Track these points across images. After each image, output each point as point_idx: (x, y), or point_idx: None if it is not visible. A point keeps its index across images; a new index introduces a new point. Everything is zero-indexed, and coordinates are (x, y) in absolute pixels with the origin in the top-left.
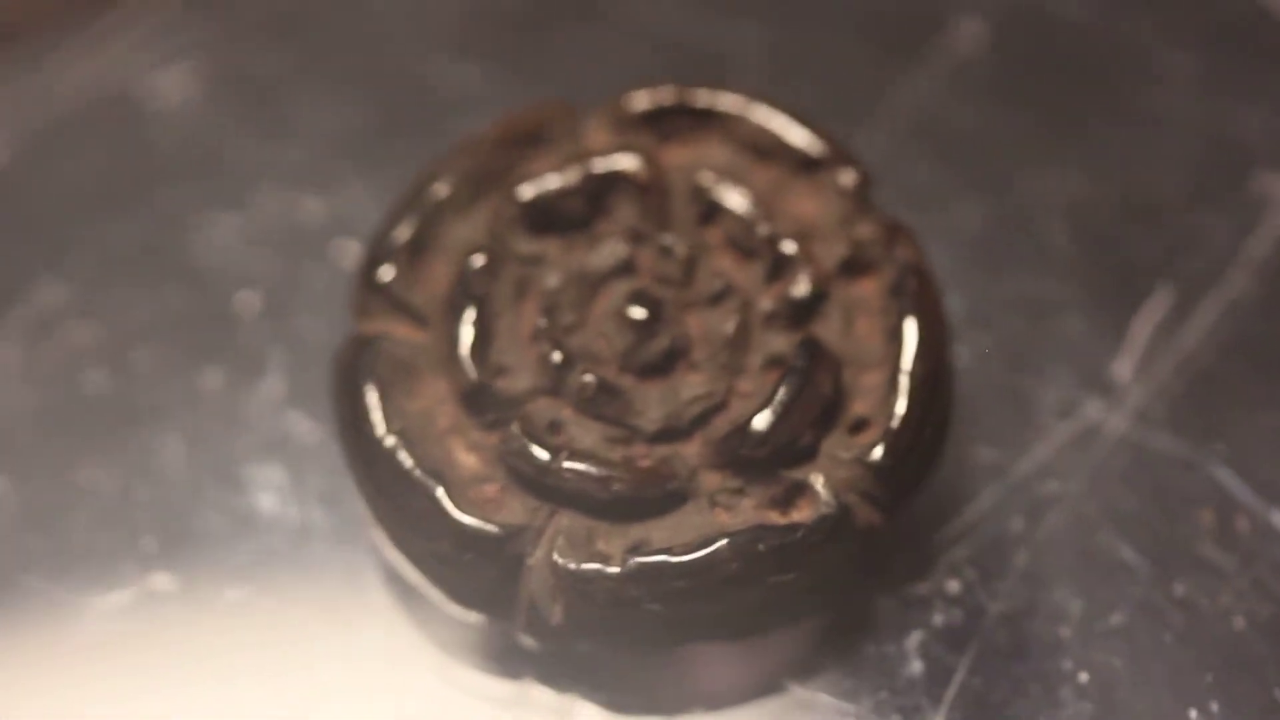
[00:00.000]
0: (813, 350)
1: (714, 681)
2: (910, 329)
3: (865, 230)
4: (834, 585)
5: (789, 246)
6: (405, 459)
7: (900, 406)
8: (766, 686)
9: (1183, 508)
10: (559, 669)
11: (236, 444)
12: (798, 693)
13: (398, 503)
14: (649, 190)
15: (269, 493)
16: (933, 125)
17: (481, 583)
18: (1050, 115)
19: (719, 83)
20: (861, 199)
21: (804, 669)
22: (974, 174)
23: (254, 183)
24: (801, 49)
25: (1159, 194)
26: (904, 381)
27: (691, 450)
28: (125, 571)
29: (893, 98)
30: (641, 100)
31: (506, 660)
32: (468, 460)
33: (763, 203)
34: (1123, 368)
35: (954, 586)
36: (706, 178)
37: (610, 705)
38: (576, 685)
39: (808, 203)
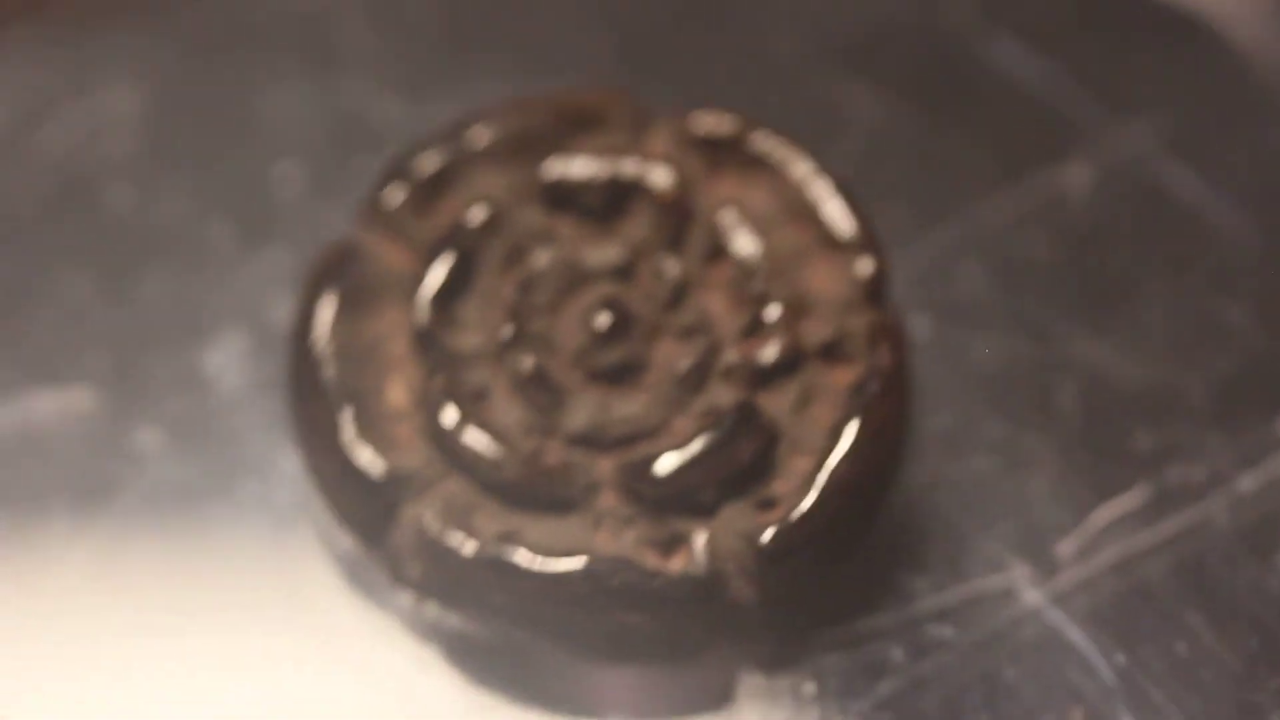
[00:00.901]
0: (746, 415)
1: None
2: (850, 429)
3: (858, 321)
4: (686, 641)
5: (774, 311)
6: (330, 371)
7: (807, 501)
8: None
9: (1058, 697)
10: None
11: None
12: None
13: (310, 411)
14: (670, 210)
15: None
16: (995, 250)
17: (358, 516)
18: (1109, 276)
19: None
20: (874, 291)
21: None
22: (1012, 309)
23: None
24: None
25: (1184, 394)
26: (821, 477)
27: (601, 466)
28: None
29: (972, 214)
30: (703, 123)
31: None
32: (396, 396)
33: (773, 260)
34: (1066, 548)
35: (809, 689)
36: (728, 217)
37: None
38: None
39: (822, 277)
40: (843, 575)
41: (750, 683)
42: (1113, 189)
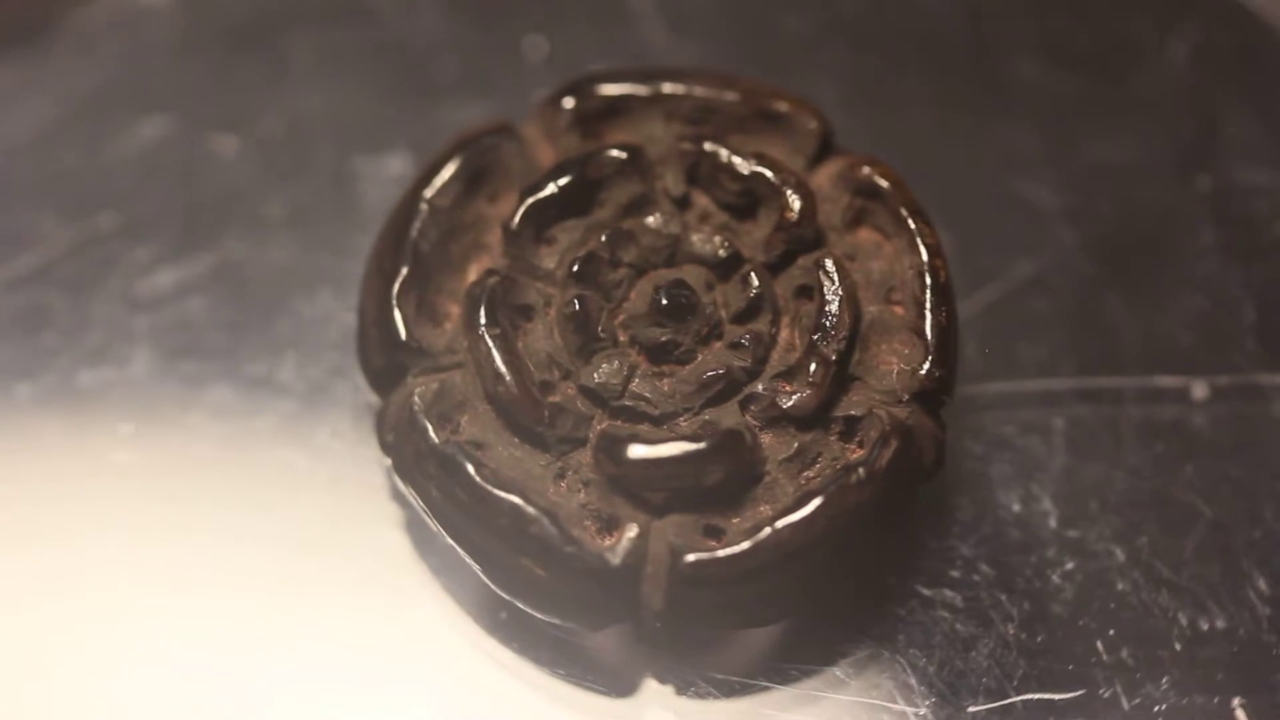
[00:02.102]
0: (732, 443)
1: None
2: (814, 503)
3: (888, 413)
4: (587, 616)
5: (820, 370)
6: (421, 225)
7: (741, 546)
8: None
9: None
10: None
11: None
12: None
13: (384, 252)
14: (790, 233)
15: None
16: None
17: (372, 364)
18: None
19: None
20: (924, 395)
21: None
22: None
23: None
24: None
25: None
26: (765, 532)
27: (594, 425)
28: None
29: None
30: (868, 170)
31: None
32: (470, 278)
33: (852, 322)
34: None
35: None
36: (836, 265)
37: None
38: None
39: (888, 359)
40: (745, 640)
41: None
42: None
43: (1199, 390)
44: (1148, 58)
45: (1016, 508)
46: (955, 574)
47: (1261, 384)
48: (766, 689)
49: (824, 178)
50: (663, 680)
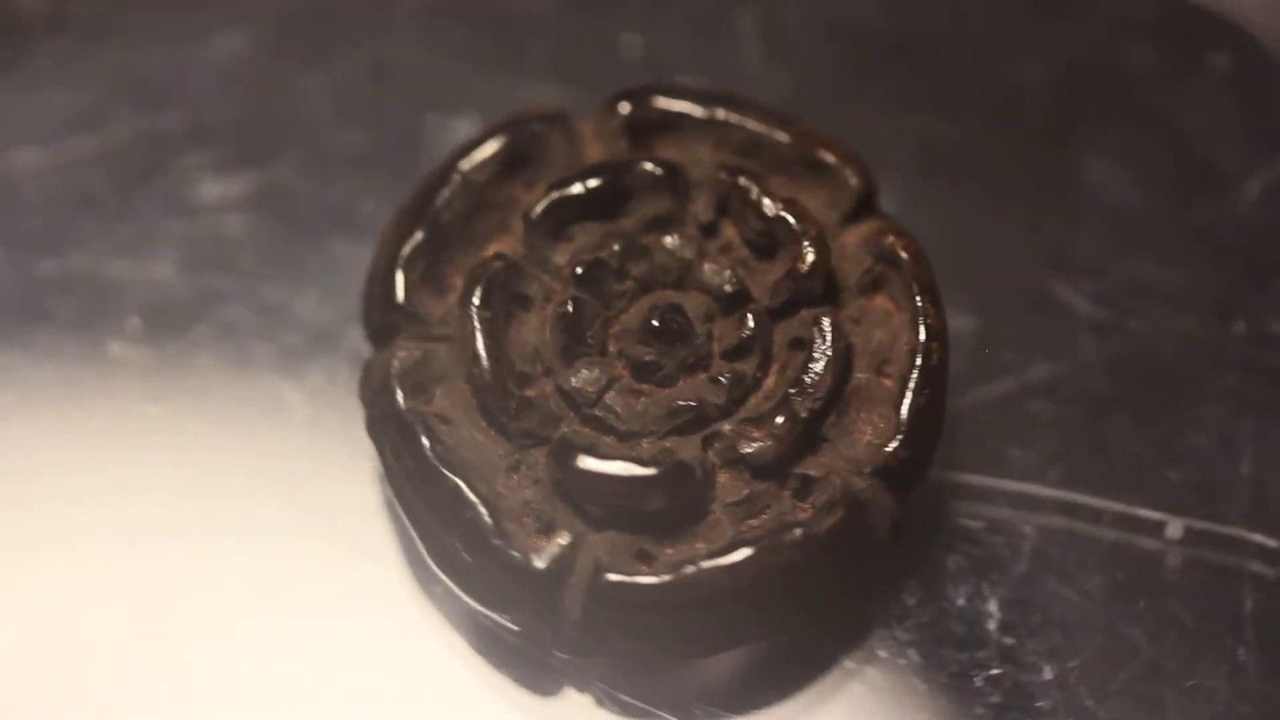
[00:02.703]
0: (679, 476)
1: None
2: (739, 553)
3: (850, 488)
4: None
5: (788, 426)
6: (447, 195)
7: (660, 579)
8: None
9: None
10: None
11: None
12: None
13: (407, 212)
14: (802, 284)
15: None
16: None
17: (370, 314)
18: None
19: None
20: (884, 470)
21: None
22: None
23: None
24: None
25: None
26: (688, 569)
27: (559, 428)
28: None
29: None
30: (893, 235)
31: None
32: (488, 255)
33: (835, 388)
34: None
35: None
36: (836, 330)
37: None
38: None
39: (864, 429)
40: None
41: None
42: None
43: (1174, 529)
44: (1221, 190)
45: (961, 602)
46: (882, 653)
47: (1236, 537)
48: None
49: (854, 236)
50: (580, 690)
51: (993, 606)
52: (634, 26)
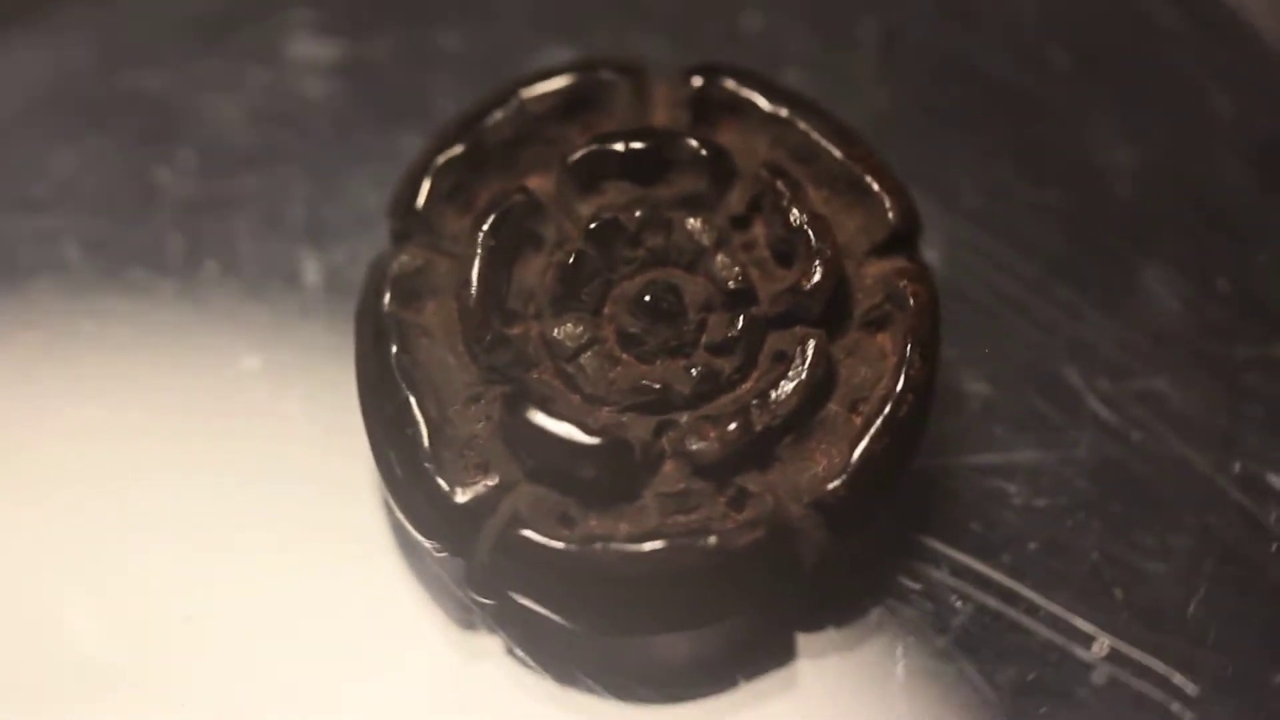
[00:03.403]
0: (615, 452)
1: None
2: (651, 544)
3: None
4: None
5: (736, 434)
6: (464, 146)
7: (557, 544)
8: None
9: None
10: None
11: None
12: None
13: (421, 159)
14: (801, 302)
15: None
16: None
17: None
18: None
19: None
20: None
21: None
22: None
23: None
24: None
25: None
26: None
27: (524, 375)
28: None
29: None
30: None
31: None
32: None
33: (799, 417)
34: None
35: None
36: (818, 364)
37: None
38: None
39: (824, 455)
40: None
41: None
42: None
43: (1100, 646)
44: (1267, 337)
45: (870, 657)
46: (774, 676)
47: (1161, 674)
48: (572, 683)
49: (876, 269)
50: (493, 631)
51: (900, 670)
52: (759, 5)
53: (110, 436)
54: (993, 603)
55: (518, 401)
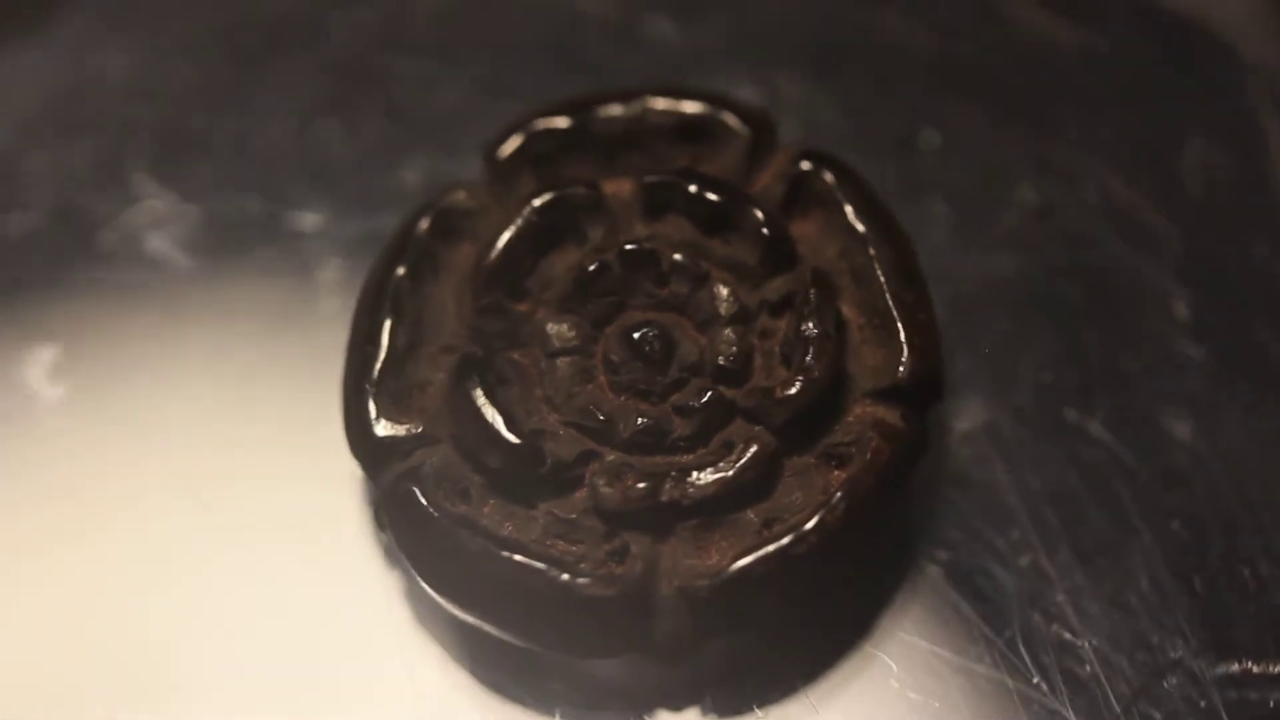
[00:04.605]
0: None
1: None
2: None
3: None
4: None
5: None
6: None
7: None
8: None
9: None
10: None
11: None
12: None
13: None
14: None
15: None
16: None
17: None
18: None
19: None
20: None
21: None
22: None
23: None
24: None
25: None
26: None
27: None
28: None
29: None
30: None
31: None
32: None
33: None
34: None
35: None
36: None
37: None
38: None
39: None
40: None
41: None
42: None
43: None
44: None
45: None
46: None
47: None
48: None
49: (865, 411)
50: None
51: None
52: (933, 122)
53: None
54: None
55: (468, 370)
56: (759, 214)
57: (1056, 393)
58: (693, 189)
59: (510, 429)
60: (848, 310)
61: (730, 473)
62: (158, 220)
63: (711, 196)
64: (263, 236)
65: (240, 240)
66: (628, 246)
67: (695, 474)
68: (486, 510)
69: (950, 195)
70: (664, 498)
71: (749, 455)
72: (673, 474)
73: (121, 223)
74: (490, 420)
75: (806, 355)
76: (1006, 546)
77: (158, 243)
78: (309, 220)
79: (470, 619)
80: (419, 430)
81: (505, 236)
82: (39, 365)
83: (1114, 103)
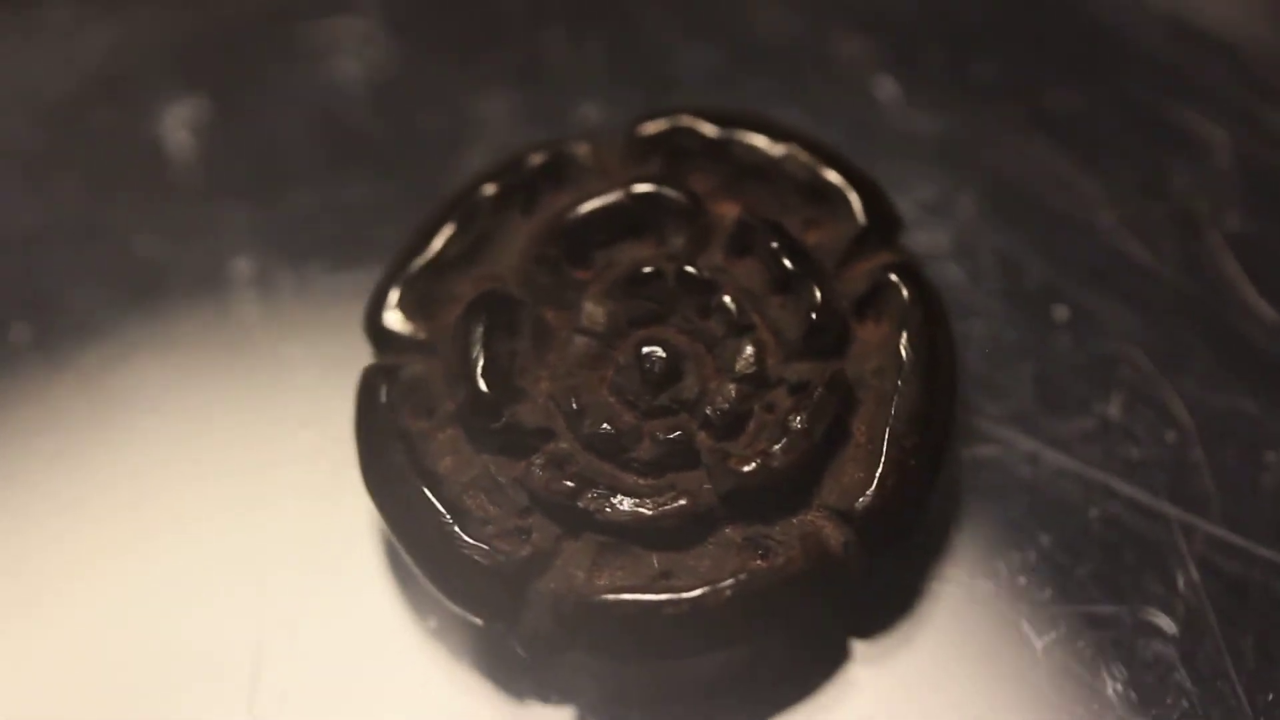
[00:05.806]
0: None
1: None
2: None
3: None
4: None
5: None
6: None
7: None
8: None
9: None
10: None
11: None
12: None
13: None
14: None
15: None
16: None
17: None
18: None
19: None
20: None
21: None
22: None
23: None
24: None
25: None
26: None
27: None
28: None
29: None
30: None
31: None
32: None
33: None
34: None
35: None
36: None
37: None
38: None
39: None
40: None
41: None
42: None
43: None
44: None
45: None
46: None
47: None
48: None
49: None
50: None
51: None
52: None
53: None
54: None
55: (482, 303)
56: (818, 295)
57: None
58: (775, 244)
59: (485, 375)
60: (859, 424)
61: (648, 512)
62: None
63: (787, 262)
64: None
65: None
66: (688, 269)
67: (621, 498)
68: (442, 436)
69: None
70: (581, 504)
71: (673, 506)
72: (602, 488)
73: None
74: (473, 358)
75: (777, 444)
76: None
77: None
78: None
79: (384, 525)
80: (422, 337)
81: (595, 203)
82: None
83: None
